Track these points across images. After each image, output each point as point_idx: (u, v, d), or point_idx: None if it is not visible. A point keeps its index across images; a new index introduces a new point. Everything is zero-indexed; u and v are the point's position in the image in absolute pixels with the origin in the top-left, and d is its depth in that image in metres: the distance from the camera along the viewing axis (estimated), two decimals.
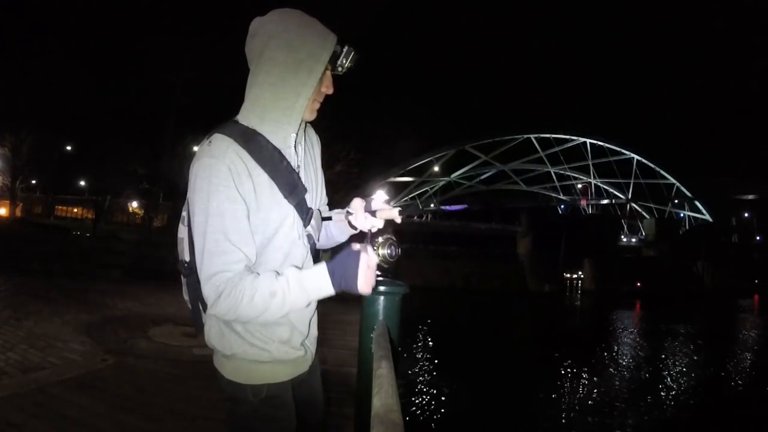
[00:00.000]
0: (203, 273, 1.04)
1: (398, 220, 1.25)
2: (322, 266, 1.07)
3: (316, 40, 1.09)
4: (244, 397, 1.15)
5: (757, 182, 62.44)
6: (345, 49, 1.14)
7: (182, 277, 1.24)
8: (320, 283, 1.06)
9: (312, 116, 1.18)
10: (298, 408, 1.24)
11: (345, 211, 1.33)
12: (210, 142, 1.08)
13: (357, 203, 1.28)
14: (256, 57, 1.10)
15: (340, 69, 1.17)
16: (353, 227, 1.30)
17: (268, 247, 1.13)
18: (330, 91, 1.17)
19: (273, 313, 1.05)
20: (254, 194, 1.07)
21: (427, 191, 62.88)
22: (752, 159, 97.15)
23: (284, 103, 1.10)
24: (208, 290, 1.04)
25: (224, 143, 1.07)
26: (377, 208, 1.26)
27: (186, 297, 1.25)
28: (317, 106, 1.17)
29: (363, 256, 1.06)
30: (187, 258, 1.16)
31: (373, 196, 1.30)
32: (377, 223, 1.24)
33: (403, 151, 57.65)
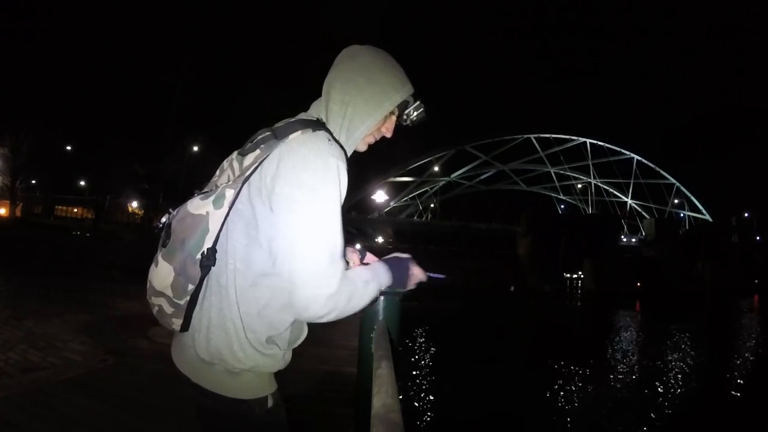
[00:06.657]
0: (320, 270, 0.97)
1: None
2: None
3: (394, 82, 1.15)
4: (249, 413, 1.06)
5: (756, 182, 62.55)
6: (416, 103, 1.20)
7: (171, 261, 1.03)
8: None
9: (363, 148, 1.22)
10: None
11: None
12: (330, 140, 1.05)
13: (355, 256, 1.33)
14: (337, 71, 1.16)
15: (405, 118, 1.21)
16: None
17: None
18: (389, 135, 1.22)
19: (362, 304, 1.05)
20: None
21: (427, 191, 62.96)
22: (753, 159, 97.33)
23: (348, 124, 1.14)
24: (327, 284, 0.97)
25: (339, 148, 1.07)
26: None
27: (167, 292, 1.05)
28: (372, 141, 1.21)
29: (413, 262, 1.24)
30: (210, 244, 1.01)
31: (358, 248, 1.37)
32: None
33: (403, 151, 57.71)
